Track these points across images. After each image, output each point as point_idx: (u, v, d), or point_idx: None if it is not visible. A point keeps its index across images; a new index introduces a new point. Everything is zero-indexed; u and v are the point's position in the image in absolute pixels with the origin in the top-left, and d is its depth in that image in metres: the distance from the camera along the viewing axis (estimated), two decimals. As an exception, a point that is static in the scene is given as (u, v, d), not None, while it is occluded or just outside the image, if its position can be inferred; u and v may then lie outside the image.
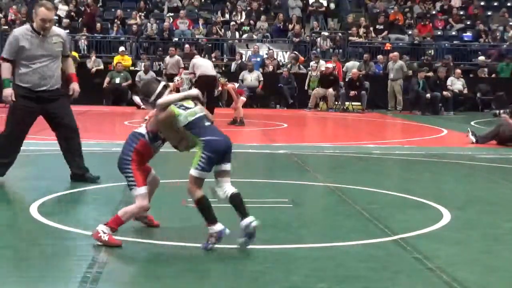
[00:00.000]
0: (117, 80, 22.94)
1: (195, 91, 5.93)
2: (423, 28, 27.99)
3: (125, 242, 5.74)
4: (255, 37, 27.07)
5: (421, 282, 4.94)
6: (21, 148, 8.59)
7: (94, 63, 24.26)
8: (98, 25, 26.65)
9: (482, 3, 30.84)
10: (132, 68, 24.47)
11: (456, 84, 23.63)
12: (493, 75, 25.69)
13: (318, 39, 27.08)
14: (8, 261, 5.27)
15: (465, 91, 23.75)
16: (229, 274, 5.02)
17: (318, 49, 26.25)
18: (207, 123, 5.65)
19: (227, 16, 28.65)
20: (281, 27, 27.73)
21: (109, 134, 13.17)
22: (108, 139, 12.20)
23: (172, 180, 8.98)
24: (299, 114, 22.05)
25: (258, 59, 25.14)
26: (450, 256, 5.58)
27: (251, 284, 4.82)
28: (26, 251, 5.54)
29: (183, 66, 23.24)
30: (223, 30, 27.36)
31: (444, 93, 22.89)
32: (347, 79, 23.50)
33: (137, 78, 23.08)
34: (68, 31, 25.79)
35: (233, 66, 24.84)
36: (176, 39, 26.44)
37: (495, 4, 30.87)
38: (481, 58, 26.04)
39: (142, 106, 21.12)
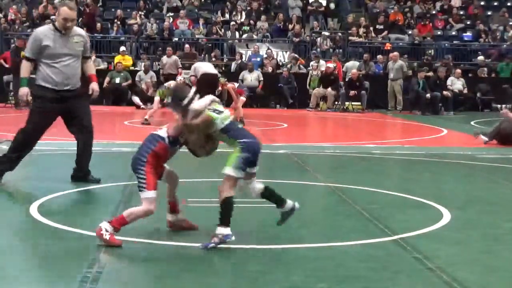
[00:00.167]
0: (117, 80, 22.93)
1: (213, 98, 5.88)
2: (423, 28, 27.99)
3: (125, 242, 5.74)
4: (255, 37, 27.07)
5: (421, 282, 4.95)
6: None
7: (94, 63, 24.20)
8: (98, 25, 26.64)
9: (482, 3, 30.84)
10: (132, 68, 24.46)
11: (456, 84, 23.63)
12: (493, 75, 25.69)
13: (318, 39, 27.09)
14: (8, 261, 5.26)
15: (465, 91, 23.75)
16: (229, 274, 5.02)
17: (318, 49, 26.25)
18: (239, 125, 5.82)
19: (227, 16, 28.65)
20: (281, 27, 27.73)
21: (109, 134, 13.17)
22: (108, 139, 12.20)
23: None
24: (299, 114, 22.04)
25: (258, 59, 25.15)
26: (450, 256, 5.58)
27: (251, 284, 4.81)
28: (26, 251, 5.55)
29: (181, 66, 23.26)
30: (223, 30, 27.36)
31: (444, 93, 22.90)
32: (347, 79, 23.50)
33: (137, 78, 23.09)
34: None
35: (233, 66, 24.85)
36: (176, 39, 26.45)
37: (495, 4, 30.88)
38: (481, 58, 26.05)
39: (142, 106, 21.23)
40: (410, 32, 27.89)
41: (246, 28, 27.59)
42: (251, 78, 23.12)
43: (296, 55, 25.41)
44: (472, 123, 19.05)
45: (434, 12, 29.89)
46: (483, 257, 5.63)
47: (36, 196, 7.53)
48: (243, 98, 17.29)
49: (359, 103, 23.16)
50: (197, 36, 26.86)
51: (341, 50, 26.49)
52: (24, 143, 8.39)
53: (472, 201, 8.06)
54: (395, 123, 20.50)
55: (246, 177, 5.80)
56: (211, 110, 5.66)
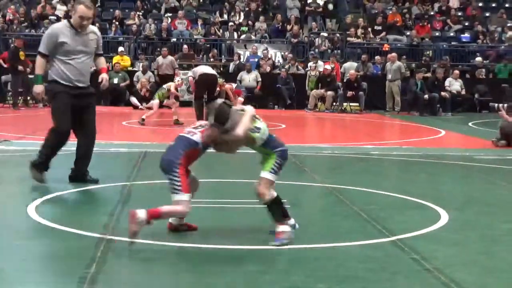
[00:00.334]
0: (115, 81, 22.92)
1: (253, 110, 5.98)
2: (421, 29, 28.02)
3: (123, 242, 5.74)
4: (253, 37, 27.08)
5: (419, 283, 4.95)
6: (26, 148, 8.60)
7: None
8: (97, 25, 26.62)
9: (480, 4, 30.87)
10: (130, 68, 24.46)
11: (454, 85, 23.66)
12: (491, 76, 25.71)
13: (316, 39, 27.10)
14: (5, 261, 5.26)
15: (463, 92, 23.77)
16: (228, 274, 5.02)
17: (316, 50, 26.27)
18: (273, 135, 6.02)
19: (225, 16, 28.66)
20: (280, 27, 27.74)
21: (107, 134, 13.16)
22: (106, 139, 12.18)
23: (165, 180, 8.96)
24: (297, 114, 22.04)
25: (256, 59, 25.16)
26: (448, 257, 5.58)
27: (251, 284, 4.82)
28: (24, 252, 5.54)
29: (177, 66, 23.28)
30: (221, 30, 27.36)
31: (442, 94, 22.93)
32: (345, 80, 23.52)
33: (135, 79, 23.09)
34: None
35: (231, 66, 24.86)
36: (175, 39, 26.46)
37: (493, 5, 30.91)
38: (479, 59, 26.06)
39: (140, 107, 21.22)
40: (408, 33, 27.91)
41: (245, 28, 27.60)
42: (249, 78, 23.13)
43: (290, 55, 25.41)
44: (470, 124, 19.08)
45: (432, 13, 29.92)
46: (481, 258, 5.64)
47: (34, 197, 7.52)
48: (241, 99, 17.31)
49: (357, 104, 23.17)
50: (195, 37, 26.87)
51: (339, 51, 26.50)
52: (57, 142, 8.37)
53: (470, 202, 8.06)
54: (393, 124, 20.50)
55: None
56: (252, 130, 5.81)
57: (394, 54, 24.00)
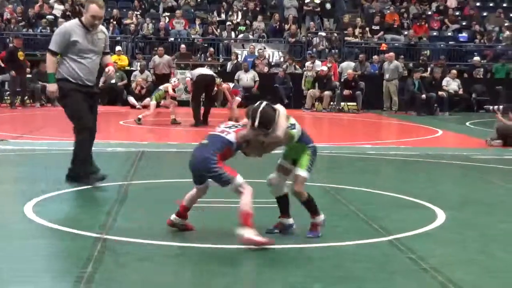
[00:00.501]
0: (113, 80, 22.91)
1: (284, 109, 5.95)
2: (419, 29, 28.02)
3: (120, 242, 5.74)
4: (251, 37, 27.08)
5: (416, 283, 4.95)
6: (23, 147, 8.56)
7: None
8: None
9: (478, 4, 30.90)
10: (127, 68, 24.44)
11: (452, 84, 23.67)
12: (489, 76, 25.72)
13: (314, 39, 27.10)
14: (2, 261, 5.25)
15: (461, 91, 23.78)
16: (226, 274, 5.01)
17: (314, 49, 26.27)
18: (305, 131, 6.08)
19: (223, 16, 28.65)
20: (277, 27, 27.72)
21: (104, 134, 13.14)
22: (104, 139, 12.16)
23: (165, 180, 8.98)
24: (294, 114, 21.75)
25: (254, 59, 25.14)
26: (445, 256, 5.59)
27: (248, 285, 4.81)
28: (20, 251, 5.53)
29: (174, 66, 23.28)
30: (219, 30, 27.35)
31: (440, 93, 22.94)
32: (342, 80, 23.52)
33: (132, 78, 23.08)
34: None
35: (229, 66, 24.85)
36: (172, 39, 26.44)
37: (491, 4, 30.93)
38: (476, 58, 26.07)
39: (138, 106, 21.23)
40: (406, 32, 27.92)
41: (242, 28, 27.59)
42: (247, 78, 23.12)
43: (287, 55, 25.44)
44: (467, 124, 19.09)
45: (430, 12, 29.93)
46: (478, 257, 5.64)
47: (31, 196, 7.51)
48: (238, 99, 17.26)
49: (354, 104, 23.17)
50: (193, 36, 26.86)
51: (337, 51, 26.50)
52: (87, 139, 8.34)
53: (467, 201, 8.07)
54: (390, 123, 20.51)
55: (286, 172, 6.11)
56: (289, 128, 5.85)
57: (391, 54, 24.01)
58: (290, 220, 6.15)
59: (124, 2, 29.45)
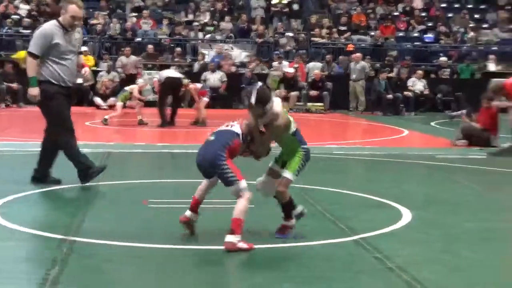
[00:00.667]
0: (79, 80, 22.68)
1: (279, 99, 6.05)
2: (385, 29, 28.18)
3: (86, 243, 5.70)
4: (218, 37, 27.03)
5: (382, 282, 4.98)
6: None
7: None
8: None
9: (443, 5, 31.14)
10: (94, 68, 24.25)
11: (417, 85, 23.84)
12: (455, 76, 25.93)
13: (281, 39, 27.14)
14: (-34, 263, 5.20)
15: (426, 91, 23.95)
16: (193, 275, 5.01)
17: (281, 50, 26.30)
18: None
19: (190, 16, 28.57)
20: (245, 27, 27.72)
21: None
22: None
23: (132, 181, 8.95)
24: (262, 114, 22.03)
25: (220, 60, 25.09)
26: (411, 255, 5.63)
27: (215, 285, 4.81)
28: (-15, 253, 5.48)
29: (140, 66, 23.20)
30: (186, 30, 27.27)
31: (406, 93, 23.10)
32: (309, 80, 23.58)
33: (98, 78, 22.92)
34: (30, 30, 25.57)
35: (196, 66, 24.78)
36: (139, 39, 26.32)
37: (456, 6, 31.19)
38: (443, 59, 26.26)
39: (103, 106, 21.10)
40: (372, 33, 28.06)
41: (210, 28, 27.53)
42: (214, 78, 23.07)
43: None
44: (432, 123, 19.24)
45: (396, 13, 30.10)
46: (443, 256, 5.68)
47: (-4, 197, 7.44)
48: (205, 99, 17.23)
49: (321, 104, 23.24)
50: (160, 37, 26.75)
51: (304, 51, 26.55)
52: (68, 144, 8.28)
53: (432, 201, 8.13)
54: (356, 123, 20.60)
55: (276, 176, 6.09)
56: (285, 112, 5.89)
57: (358, 54, 24.10)
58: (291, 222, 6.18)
59: (90, 2, 29.17)
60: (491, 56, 26.60)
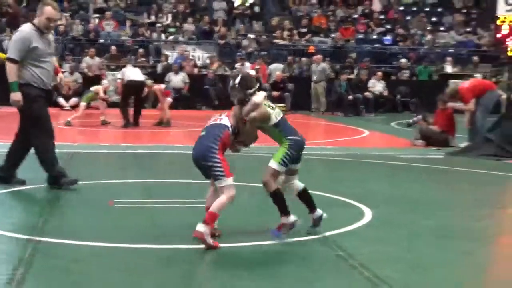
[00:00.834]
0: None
1: (264, 93, 6.18)
2: (345, 32, 28.34)
3: (51, 243, 5.66)
4: (181, 39, 26.95)
5: (344, 278, 5.03)
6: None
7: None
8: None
9: (402, 8, 31.42)
10: (57, 69, 24.03)
11: (377, 86, 24.01)
12: (414, 78, 26.15)
13: (244, 41, 27.17)
14: None
15: (386, 93, 24.13)
16: (157, 274, 5.00)
17: (243, 51, 26.32)
18: (288, 123, 6.07)
19: (153, 17, 28.45)
20: (207, 29, 27.70)
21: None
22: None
23: (97, 181, 8.91)
24: (224, 115, 22.02)
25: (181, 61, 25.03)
26: (372, 253, 5.68)
27: (181, 282, 4.81)
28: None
29: (104, 67, 23.07)
30: (149, 31, 27.16)
31: (366, 94, 23.27)
32: (271, 81, 23.64)
33: (58, 80, 22.67)
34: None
35: (159, 67, 24.68)
36: (102, 40, 26.15)
37: (414, 9, 31.48)
38: (403, 60, 26.48)
39: (66, 107, 20.93)
40: (333, 35, 28.21)
41: (172, 30, 27.46)
42: (177, 79, 23.00)
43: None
44: (392, 124, 19.39)
45: (356, 16, 30.29)
46: (403, 254, 5.75)
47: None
48: (169, 100, 17.20)
49: (283, 105, 23.23)
50: (123, 38, 26.61)
51: (266, 53, 26.59)
52: (46, 147, 8.19)
53: (393, 199, 8.19)
54: (318, 124, 20.69)
55: (290, 172, 6.10)
56: (266, 105, 5.94)
57: (319, 56, 24.18)
58: (318, 212, 6.19)
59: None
60: (448, 58, 26.88)
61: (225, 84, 23.52)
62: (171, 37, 27.04)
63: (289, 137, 5.97)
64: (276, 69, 24.15)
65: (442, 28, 29.99)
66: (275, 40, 27.37)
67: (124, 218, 6.73)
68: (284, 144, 5.97)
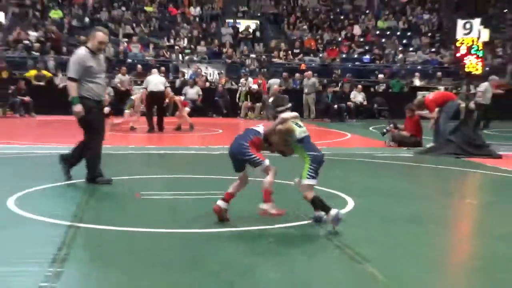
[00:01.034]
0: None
1: (295, 113, 6.18)
2: (331, 52, 28.35)
3: (87, 228, 5.67)
4: (195, 58, 26.98)
5: (331, 257, 5.02)
6: (4, 151, 8.29)
7: (60, 80, 23.77)
8: (65, 48, 26.16)
9: (378, 32, 31.42)
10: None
11: (358, 97, 24.00)
12: (390, 90, 26.14)
13: (247, 60, 27.17)
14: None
15: (365, 102, 24.12)
16: (174, 253, 5.00)
17: (247, 69, 26.33)
18: (311, 142, 5.99)
19: (172, 41, 28.48)
20: (217, 50, 27.72)
21: (74, 139, 12.91)
22: (74, 144, 11.95)
23: (127, 177, 8.90)
24: (231, 122, 22.03)
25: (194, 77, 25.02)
26: (354, 235, 5.67)
27: (191, 260, 4.80)
28: (2, 238, 5.41)
29: (131, 83, 23.12)
30: (168, 52, 27.18)
31: (348, 104, 23.26)
32: (270, 93, 23.62)
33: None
34: (38, 53, 25.28)
35: (177, 82, 24.70)
36: (130, 60, 26.18)
37: (388, 33, 31.49)
38: (381, 76, 26.48)
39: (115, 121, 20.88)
40: (321, 55, 28.21)
41: (188, 51, 27.48)
42: (192, 92, 23.01)
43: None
44: (370, 128, 19.37)
45: (340, 39, 30.31)
46: (380, 236, 5.74)
47: (14, 192, 7.33)
48: (187, 109, 17.27)
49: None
50: (147, 58, 26.63)
51: (265, 70, 26.61)
52: (95, 151, 8.17)
53: (371, 191, 8.18)
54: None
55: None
56: (294, 122, 5.93)
57: (309, 72, 24.21)
58: (320, 215, 5.97)
59: (89, 30, 28.89)
60: (416, 74, 26.90)
61: (232, 96, 23.63)
62: (187, 57, 27.06)
63: (309, 153, 5.88)
64: (274, 83, 24.14)
65: (411, 49, 30.01)
66: (273, 59, 27.39)
67: (149, 208, 6.73)
68: (306, 160, 5.88)
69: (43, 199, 7.41)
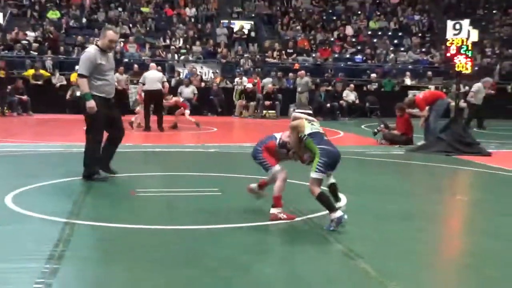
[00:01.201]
0: (78, 93, 22.30)
1: (307, 116, 6.19)
2: (324, 52, 28.33)
3: (84, 225, 5.63)
4: (190, 58, 26.92)
5: (324, 252, 5.01)
6: (4, 149, 8.26)
7: (58, 79, 23.70)
8: (62, 48, 26.07)
9: (369, 32, 31.43)
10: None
11: (350, 96, 24.00)
12: (382, 89, 26.14)
13: (241, 60, 27.13)
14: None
15: (357, 101, 24.13)
16: (168, 250, 4.97)
17: (241, 68, 26.30)
18: (325, 138, 5.92)
19: (168, 41, 28.42)
20: (212, 50, 27.67)
21: (71, 137, 12.88)
22: (70, 141, 11.92)
23: (124, 174, 8.86)
24: (226, 120, 22.01)
25: (189, 76, 24.99)
26: (347, 231, 5.65)
27: (188, 257, 4.78)
28: (0, 234, 5.36)
29: (128, 82, 23.07)
30: (164, 52, 27.12)
31: (341, 102, 23.25)
32: (264, 92, 23.61)
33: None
34: (36, 53, 25.20)
35: (173, 81, 24.63)
36: (127, 60, 26.10)
37: (379, 33, 31.50)
38: (373, 75, 26.49)
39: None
40: (314, 55, 28.20)
41: (183, 51, 27.42)
42: (187, 91, 22.96)
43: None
44: (362, 126, 19.38)
45: (332, 39, 30.30)
46: (372, 232, 5.73)
47: (10, 189, 7.29)
48: (187, 111, 17.37)
49: (273, 111, 23.27)
50: (143, 58, 26.56)
51: (259, 69, 26.58)
52: (98, 149, 8.14)
53: (363, 188, 8.19)
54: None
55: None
56: (307, 121, 5.96)
57: (303, 72, 24.18)
58: (337, 214, 5.72)
59: (86, 30, 28.87)
60: (407, 73, 26.90)
61: (226, 94, 23.60)
62: (182, 57, 27.01)
63: (320, 146, 5.79)
64: (268, 82, 24.11)
65: (402, 49, 30.00)
66: (267, 59, 27.35)
67: (144, 205, 6.69)
68: (316, 154, 5.79)
69: (40, 196, 7.36)
